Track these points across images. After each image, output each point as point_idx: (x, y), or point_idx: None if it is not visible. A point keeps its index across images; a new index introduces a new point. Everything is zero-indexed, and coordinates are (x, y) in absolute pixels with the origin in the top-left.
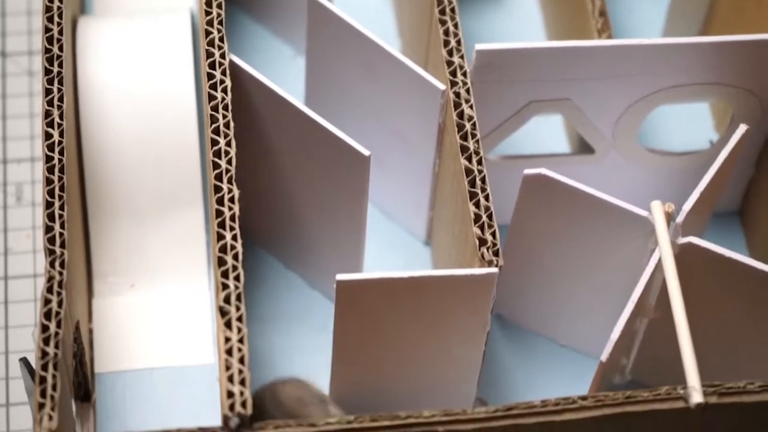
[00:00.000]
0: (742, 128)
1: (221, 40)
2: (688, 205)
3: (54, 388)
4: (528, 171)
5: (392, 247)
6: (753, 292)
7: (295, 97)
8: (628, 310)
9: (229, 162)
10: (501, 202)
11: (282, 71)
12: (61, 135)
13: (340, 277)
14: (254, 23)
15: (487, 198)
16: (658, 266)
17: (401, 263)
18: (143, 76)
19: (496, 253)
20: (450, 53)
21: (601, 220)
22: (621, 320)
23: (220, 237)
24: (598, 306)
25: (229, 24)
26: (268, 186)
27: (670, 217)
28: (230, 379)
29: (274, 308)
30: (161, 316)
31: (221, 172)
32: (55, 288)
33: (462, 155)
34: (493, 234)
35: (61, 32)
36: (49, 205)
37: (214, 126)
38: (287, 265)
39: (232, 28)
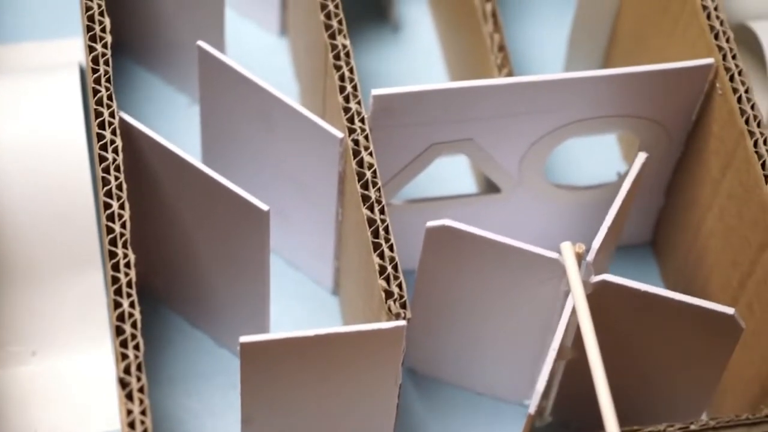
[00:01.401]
0: (642, 157)
1: (110, 98)
2: (597, 243)
3: None
4: (430, 223)
5: (299, 299)
6: (669, 323)
7: (193, 147)
8: (551, 358)
9: (123, 226)
10: (409, 246)
11: (178, 121)
12: None
13: (243, 339)
14: (147, 73)
15: (391, 248)
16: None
17: (309, 315)
18: (33, 135)
19: (403, 306)
20: (346, 99)
21: (510, 265)
22: (545, 369)
23: (117, 305)
24: (514, 351)
25: (121, 75)
26: (168, 244)
27: (581, 258)
28: None
29: (182, 368)
30: (65, 385)
31: (115, 237)
32: None
33: (364, 205)
34: (400, 286)
35: None
36: None
37: (106, 189)
38: (193, 324)
39: (124, 79)
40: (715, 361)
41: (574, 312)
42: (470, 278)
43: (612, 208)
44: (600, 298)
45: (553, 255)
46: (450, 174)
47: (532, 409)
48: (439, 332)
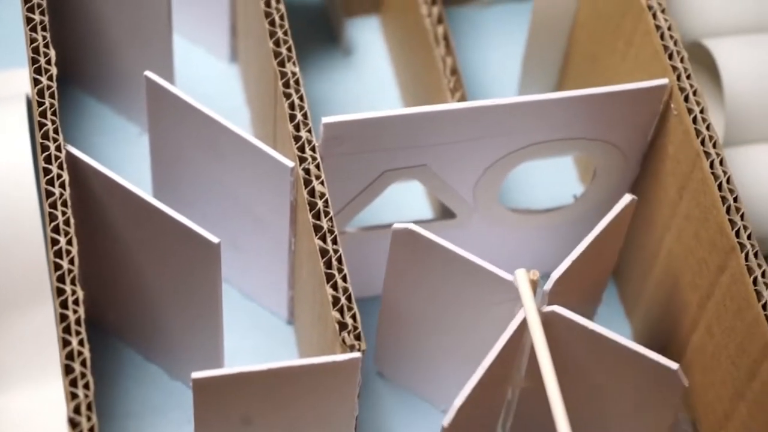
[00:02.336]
0: (627, 198)
1: (56, 131)
2: (557, 273)
3: None
4: (396, 225)
5: (255, 329)
6: (617, 364)
7: (145, 177)
8: (477, 375)
9: (71, 262)
10: (366, 274)
11: (129, 151)
12: None
13: (195, 375)
14: (97, 103)
15: (344, 279)
16: (527, 334)
17: (265, 345)
18: None
19: (357, 337)
20: (297, 128)
21: (469, 280)
22: (467, 387)
23: (66, 343)
24: (472, 368)
25: (70, 105)
26: (120, 277)
27: (536, 285)
28: None
29: (137, 402)
30: (15, 423)
31: (63, 274)
32: None
33: (316, 235)
34: (354, 317)
35: None
36: None
37: (53, 224)
38: (147, 357)
39: (73, 109)
40: (662, 412)
41: (526, 338)
42: (431, 285)
43: (582, 243)
44: (550, 329)
45: (508, 276)
46: (405, 199)
47: (446, 422)
48: (405, 342)
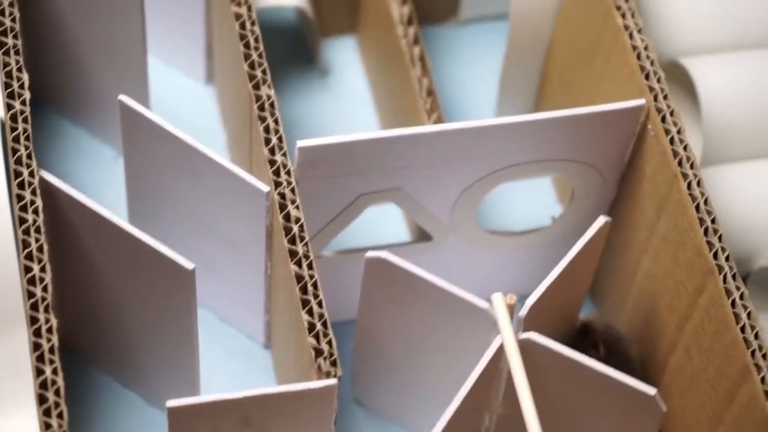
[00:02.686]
0: (601, 220)
1: (29, 156)
2: (532, 300)
3: None
4: (370, 253)
5: (232, 354)
6: (594, 390)
7: (121, 200)
8: (455, 403)
9: (44, 289)
10: (343, 297)
11: (105, 174)
12: None
13: (170, 403)
14: (72, 126)
15: (320, 304)
16: (504, 360)
17: (242, 370)
18: None
19: (333, 363)
20: (272, 151)
21: (445, 307)
22: (446, 415)
23: (40, 372)
24: (448, 395)
25: (45, 128)
26: (95, 303)
27: (512, 309)
28: None
29: (113, 429)
30: None
31: (37, 301)
32: None
33: (291, 260)
34: (330, 343)
35: None
36: None
37: (26, 251)
38: (123, 384)
39: (48, 132)
40: None
41: (503, 364)
42: (406, 313)
43: (558, 266)
44: (526, 355)
45: (484, 304)
46: (382, 222)
47: None
48: (380, 369)
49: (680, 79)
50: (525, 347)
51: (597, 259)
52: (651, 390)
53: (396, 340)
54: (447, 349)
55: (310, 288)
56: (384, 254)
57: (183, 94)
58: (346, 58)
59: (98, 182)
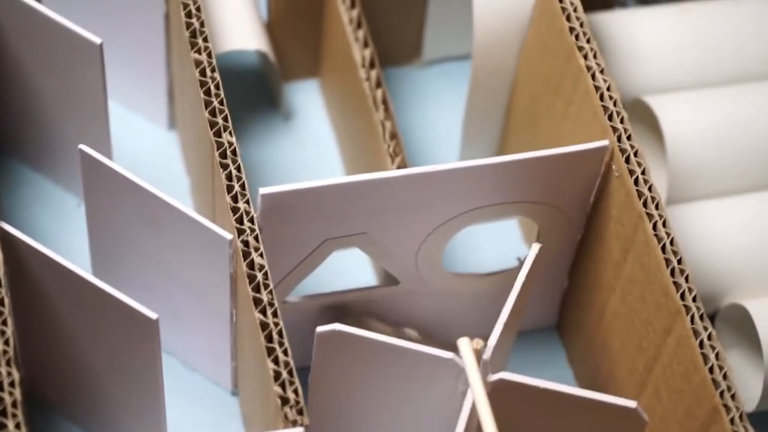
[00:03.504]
0: (535, 248)
1: None
2: (492, 340)
3: None
4: (320, 329)
5: (199, 401)
6: (573, 418)
7: (84, 248)
8: None
9: (6, 343)
10: (310, 343)
11: (67, 221)
12: None
13: None
14: (34, 173)
15: (285, 353)
16: (473, 407)
17: (209, 418)
18: None
19: (300, 412)
20: (234, 199)
21: (405, 367)
22: None
23: (2, 426)
24: None
25: (6, 175)
26: (59, 353)
27: (479, 354)
28: None
29: None
30: None
31: None
32: None
33: (256, 308)
34: (296, 391)
35: None
36: None
37: None
38: None
39: (9, 179)
40: None
41: (474, 410)
42: (364, 382)
43: (507, 303)
44: (500, 396)
45: (449, 355)
46: (348, 266)
47: None
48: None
49: (645, 117)
50: (498, 388)
51: (533, 284)
52: (631, 403)
53: (351, 406)
54: (411, 406)
55: (275, 336)
56: (336, 326)
57: (146, 140)
58: (308, 102)
59: (60, 230)
